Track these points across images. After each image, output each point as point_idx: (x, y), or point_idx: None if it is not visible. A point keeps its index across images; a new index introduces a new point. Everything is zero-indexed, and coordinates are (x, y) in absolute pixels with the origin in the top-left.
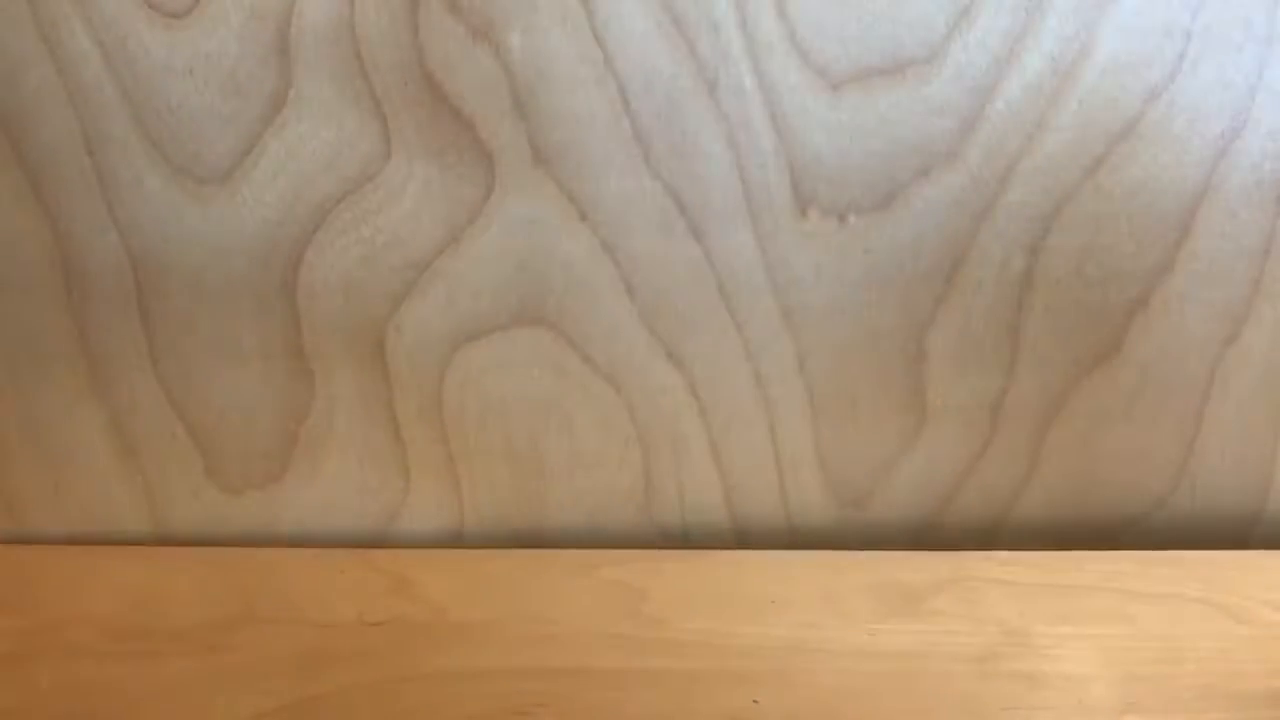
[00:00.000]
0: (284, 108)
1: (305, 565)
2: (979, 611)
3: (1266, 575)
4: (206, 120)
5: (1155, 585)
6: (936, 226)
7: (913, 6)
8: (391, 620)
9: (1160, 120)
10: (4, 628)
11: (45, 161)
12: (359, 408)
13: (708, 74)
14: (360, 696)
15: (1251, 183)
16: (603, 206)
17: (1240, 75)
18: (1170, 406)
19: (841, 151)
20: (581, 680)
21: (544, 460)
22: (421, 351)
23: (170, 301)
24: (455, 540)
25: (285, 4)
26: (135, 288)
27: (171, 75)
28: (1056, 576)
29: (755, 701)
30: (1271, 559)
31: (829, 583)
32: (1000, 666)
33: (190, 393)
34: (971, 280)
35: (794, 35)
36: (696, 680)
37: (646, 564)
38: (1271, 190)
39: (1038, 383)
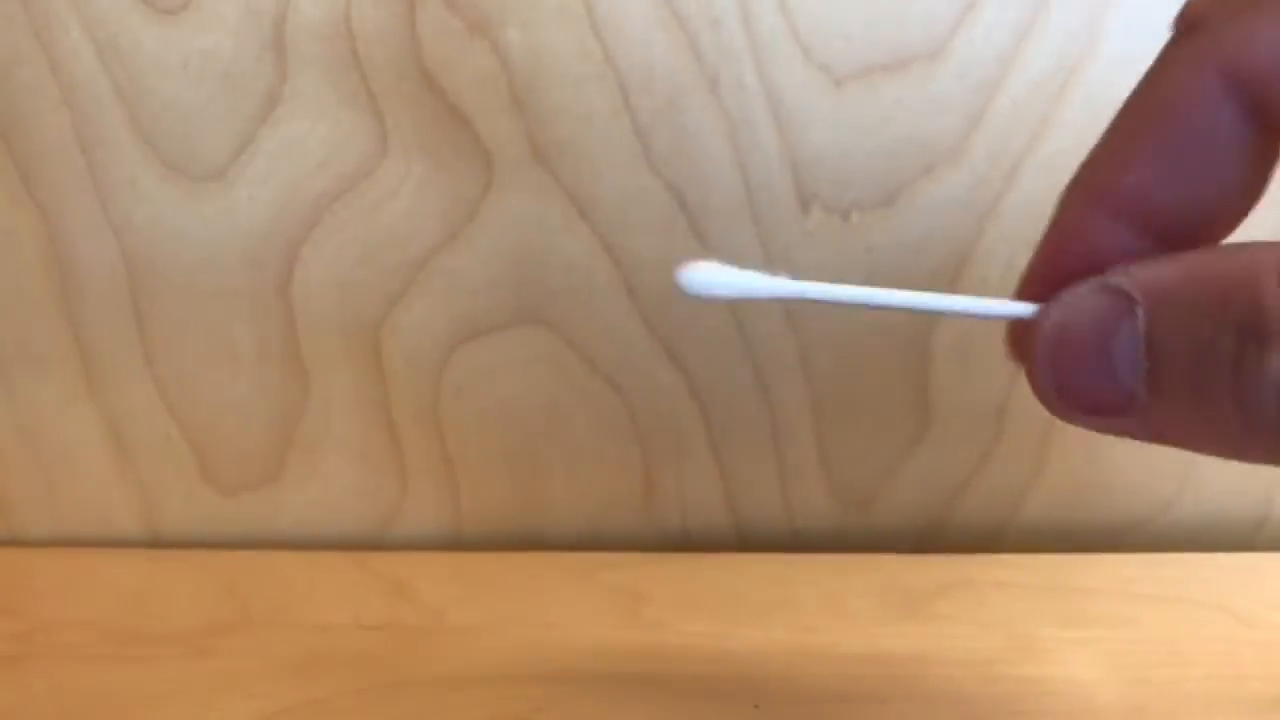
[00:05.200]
0: (279, 105)
1: (301, 568)
2: (984, 615)
3: (1272, 578)
4: (201, 117)
5: (1161, 588)
6: (940, 225)
7: (916, 2)
8: (388, 624)
9: None
10: None
11: (37, 160)
12: (355, 409)
13: (708, 70)
14: (357, 701)
15: None
16: (602, 204)
17: None
18: None
19: (844, 149)
20: (580, 685)
21: (543, 462)
22: (419, 352)
23: (164, 301)
24: (453, 543)
25: (280, 0)
26: (129, 287)
27: (165, 72)
28: (1061, 579)
29: (756, 706)
30: (1277, 562)
31: (832, 586)
32: (1006, 670)
33: (184, 394)
34: (976, 280)
35: (796, 31)
36: (697, 684)
37: (647, 567)
38: (1278, 187)
39: None
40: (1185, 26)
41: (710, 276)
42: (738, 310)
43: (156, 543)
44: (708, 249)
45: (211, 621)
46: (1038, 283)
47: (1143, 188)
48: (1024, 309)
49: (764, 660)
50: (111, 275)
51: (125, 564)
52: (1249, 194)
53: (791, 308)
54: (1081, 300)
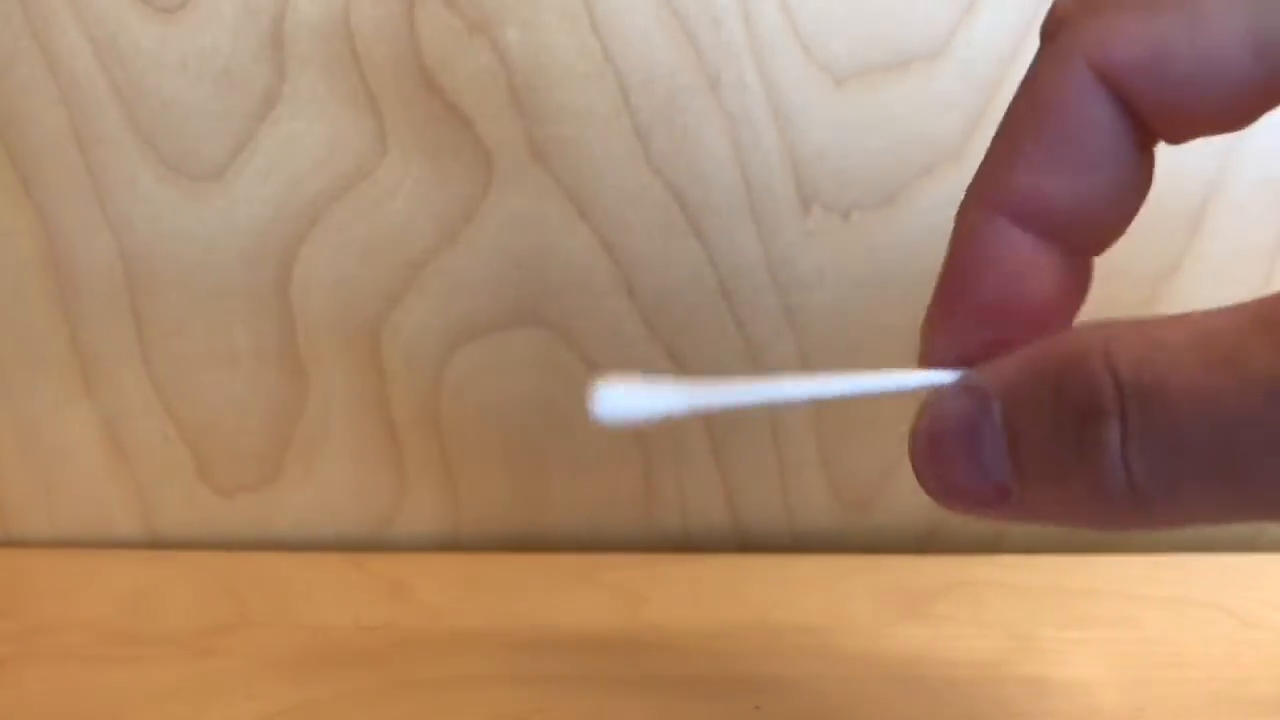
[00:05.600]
0: (278, 104)
1: (299, 569)
2: (984, 616)
3: (1273, 579)
4: (199, 116)
5: (1162, 588)
6: (941, 225)
7: (917, 1)
8: (387, 625)
9: None
10: None
11: (35, 159)
12: (354, 409)
13: (709, 69)
14: (355, 702)
15: (1260, 180)
16: (602, 204)
17: None
18: None
19: (845, 148)
20: (580, 686)
21: (542, 462)
22: (418, 352)
23: (162, 301)
24: (452, 544)
25: None
26: (127, 287)
27: (164, 71)
28: (1062, 580)
29: (757, 708)
30: (1278, 563)
31: (832, 587)
32: (1006, 671)
33: (182, 394)
34: None
35: (797, 30)
36: (697, 686)
37: (646, 568)
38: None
39: None
40: (1053, 28)
41: (625, 400)
42: (738, 310)
43: (154, 543)
44: (707, 248)
45: (209, 622)
46: (946, 298)
47: (1032, 186)
48: (941, 378)
49: (764, 660)
50: (109, 274)
51: (123, 565)
52: (1138, 185)
53: (792, 306)
54: (946, 403)
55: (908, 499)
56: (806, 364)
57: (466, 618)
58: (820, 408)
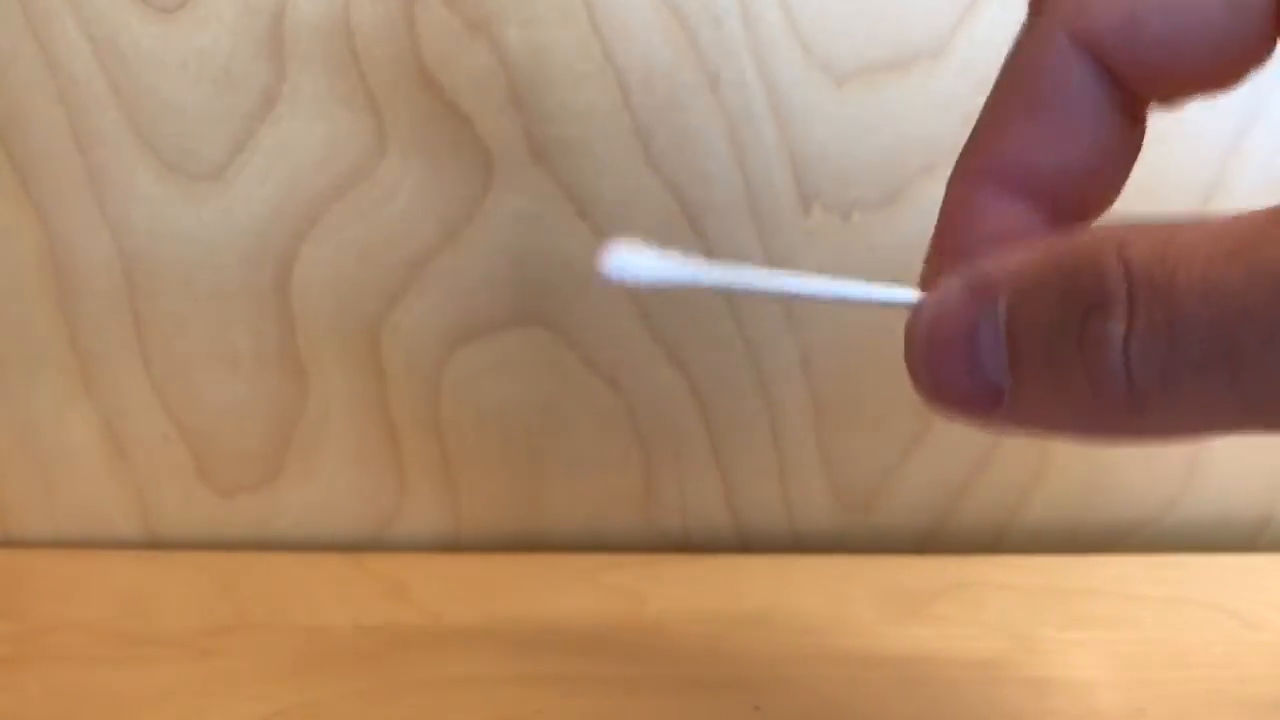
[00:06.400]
0: (277, 103)
1: (299, 569)
2: (985, 616)
3: (1274, 580)
4: (199, 116)
5: (1163, 589)
6: None
7: (918, 0)
8: (386, 625)
9: (1169, 115)
10: None
11: (35, 159)
12: (354, 409)
13: (709, 68)
14: (355, 703)
15: (1262, 180)
16: (602, 203)
17: None
18: None
19: (845, 147)
20: (580, 686)
21: (542, 463)
22: (418, 352)
23: (162, 301)
24: (451, 544)
25: None
26: (126, 287)
27: (163, 70)
28: (1063, 580)
29: (757, 708)
30: (1278, 563)
31: (832, 587)
32: (1007, 672)
33: (182, 394)
34: None
35: (797, 29)
36: (697, 686)
37: (646, 568)
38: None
39: None
40: (1035, 3)
41: (632, 262)
42: (738, 310)
43: (154, 544)
44: (708, 247)
45: (209, 623)
46: (935, 268)
47: (1018, 154)
48: (915, 295)
49: (764, 660)
50: (108, 275)
51: (122, 565)
52: (1125, 152)
53: (792, 307)
54: (949, 296)
55: (908, 499)
56: (807, 364)
57: (466, 618)
58: (820, 408)
